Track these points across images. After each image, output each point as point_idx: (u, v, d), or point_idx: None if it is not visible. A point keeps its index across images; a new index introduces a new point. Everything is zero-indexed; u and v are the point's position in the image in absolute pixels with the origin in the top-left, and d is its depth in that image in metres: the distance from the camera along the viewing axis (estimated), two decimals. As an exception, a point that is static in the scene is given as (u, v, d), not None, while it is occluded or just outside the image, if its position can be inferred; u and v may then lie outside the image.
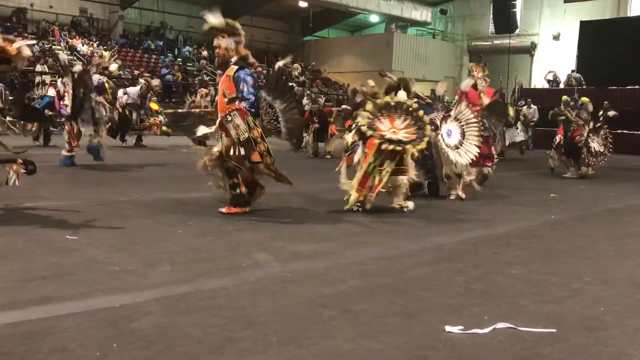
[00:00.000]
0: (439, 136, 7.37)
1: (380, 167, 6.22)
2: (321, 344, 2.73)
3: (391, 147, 6.18)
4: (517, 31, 31.23)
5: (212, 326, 2.88)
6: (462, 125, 7.48)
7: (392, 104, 6.47)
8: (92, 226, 5.00)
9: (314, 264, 4.15)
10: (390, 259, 4.39)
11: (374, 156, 6.22)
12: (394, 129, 6.32)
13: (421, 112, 6.49)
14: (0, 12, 26.00)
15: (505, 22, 30.61)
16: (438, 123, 7.39)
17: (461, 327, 2.97)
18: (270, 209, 6.20)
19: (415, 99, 7.45)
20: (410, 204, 6.50)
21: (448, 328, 2.97)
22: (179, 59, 29.79)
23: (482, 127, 7.69)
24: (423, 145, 6.39)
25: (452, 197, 7.60)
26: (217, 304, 3.22)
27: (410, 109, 6.46)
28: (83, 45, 26.32)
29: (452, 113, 7.57)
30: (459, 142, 7.41)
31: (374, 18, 36.03)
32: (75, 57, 23.32)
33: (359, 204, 6.30)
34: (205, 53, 30.10)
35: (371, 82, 7.41)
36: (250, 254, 4.30)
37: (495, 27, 32.14)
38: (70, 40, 26.62)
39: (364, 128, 6.24)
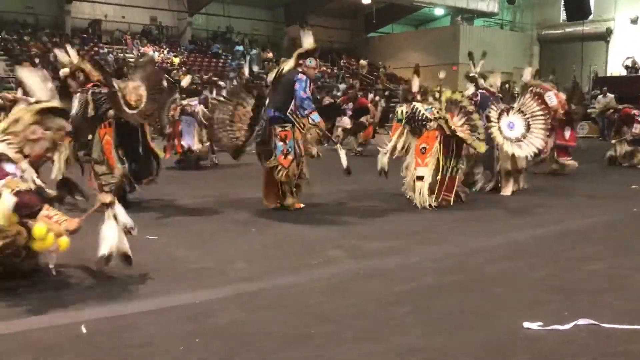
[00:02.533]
0: (496, 129, 7.13)
1: (450, 166, 6.28)
2: (395, 339, 2.74)
3: (471, 140, 6.26)
4: (590, 17, 29.88)
5: (287, 322, 2.95)
6: (527, 118, 7.21)
7: (453, 101, 6.47)
8: (168, 225, 5.21)
9: (385, 261, 4.16)
10: (463, 256, 4.33)
11: (444, 157, 6.26)
12: (454, 126, 6.33)
13: (476, 116, 6.51)
14: (77, 24, 27.33)
15: (578, 8, 29.29)
16: (493, 116, 7.21)
17: (540, 324, 2.91)
18: (337, 207, 6.26)
19: (481, 91, 7.39)
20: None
21: (526, 324, 2.90)
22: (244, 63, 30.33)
23: (548, 120, 7.43)
24: (483, 147, 6.46)
25: (504, 193, 7.33)
26: (291, 300, 3.29)
27: (466, 109, 6.45)
28: (154, 52, 27.28)
29: (515, 105, 7.34)
30: (522, 135, 7.13)
31: (438, 11, 35.42)
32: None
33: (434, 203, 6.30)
34: (270, 55, 30.53)
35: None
36: (322, 252, 4.36)
37: (567, 14, 30.82)
38: (142, 48, 27.65)
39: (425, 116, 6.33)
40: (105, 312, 3.06)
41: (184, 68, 25.28)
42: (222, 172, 9.98)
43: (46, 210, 3.26)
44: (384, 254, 4.37)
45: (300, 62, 5.90)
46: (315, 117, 5.76)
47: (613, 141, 11.32)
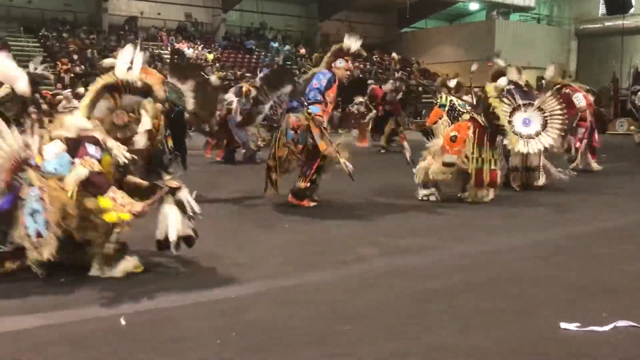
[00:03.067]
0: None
1: (487, 157, 6.28)
2: (427, 338, 2.73)
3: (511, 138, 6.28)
4: (631, 10, 29.08)
5: (319, 318, 2.97)
6: (546, 116, 7.06)
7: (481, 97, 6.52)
8: (203, 220, 5.26)
9: (417, 258, 4.14)
10: (495, 254, 4.28)
11: (477, 149, 6.24)
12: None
13: (500, 112, 6.42)
14: (115, 21, 27.85)
15: (618, 1, 28.56)
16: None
17: (578, 324, 2.85)
18: (366, 204, 6.25)
19: (513, 86, 7.32)
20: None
21: (563, 325, 2.86)
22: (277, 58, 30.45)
23: (566, 120, 7.24)
24: (514, 142, 6.44)
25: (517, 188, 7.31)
26: (323, 296, 3.31)
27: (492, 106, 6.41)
28: (189, 48, 27.61)
29: (535, 102, 7.20)
30: (535, 132, 6.99)
31: (473, 6, 34.99)
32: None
33: (435, 191, 6.42)
34: (303, 51, 30.57)
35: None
36: (353, 249, 4.36)
37: (607, 8, 30.08)
38: (177, 45, 28.00)
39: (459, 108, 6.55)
40: (142, 305, 3.13)
41: (217, 64, 25.53)
42: (258, 167, 10.06)
43: (112, 193, 3.37)
44: (415, 251, 4.35)
45: (332, 61, 5.93)
46: (314, 108, 5.69)
47: None
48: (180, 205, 3.66)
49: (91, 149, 3.48)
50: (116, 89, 3.67)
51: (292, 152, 5.80)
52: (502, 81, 6.82)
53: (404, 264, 3.98)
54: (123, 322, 2.86)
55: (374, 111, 13.62)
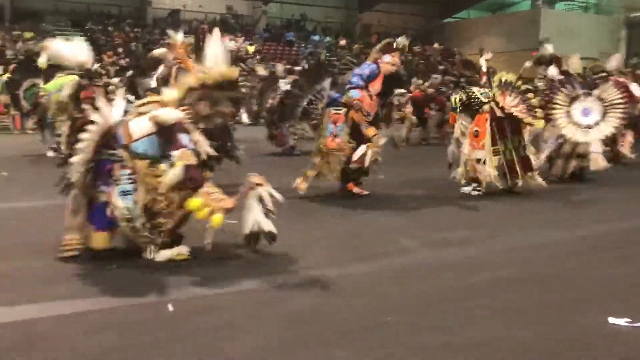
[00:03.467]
0: (561, 114, 7.03)
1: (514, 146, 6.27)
2: (472, 330, 2.71)
3: (525, 118, 6.16)
4: (685, -3, 27.93)
5: (363, 309, 2.97)
6: (606, 106, 7.00)
7: (504, 81, 6.37)
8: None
9: (462, 251, 4.10)
10: (543, 248, 4.20)
11: (501, 142, 6.22)
12: (505, 106, 6.29)
13: (531, 95, 6.34)
14: (158, 14, 28.29)
15: (671, -13, 27.45)
16: (561, 100, 7.05)
17: (628, 320, 2.79)
18: (408, 197, 6.21)
19: (562, 77, 7.20)
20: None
21: (612, 320, 2.80)
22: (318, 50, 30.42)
23: (627, 109, 7.22)
24: (540, 124, 6.41)
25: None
26: (367, 288, 3.31)
27: (519, 88, 6.33)
28: (230, 41, 27.84)
29: (595, 92, 7.09)
30: (595, 122, 6.95)
31: (518, -5, 34.21)
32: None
33: (477, 186, 6.33)
34: (343, 42, 30.45)
35: (528, 64, 7.19)
36: (396, 241, 4.35)
37: (659, -5, 28.97)
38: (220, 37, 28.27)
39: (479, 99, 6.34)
40: (187, 293, 3.19)
41: (258, 56, 25.68)
42: (302, 159, 10.08)
43: (207, 187, 3.48)
44: (458, 245, 4.31)
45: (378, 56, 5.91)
46: (354, 93, 5.67)
47: None
48: (261, 200, 3.74)
49: (185, 139, 3.56)
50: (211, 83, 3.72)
51: (339, 149, 5.78)
52: (552, 70, 6.74)
53: (448, 257, 3.95)
54: (171, 308, 2.92)
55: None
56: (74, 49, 3.83)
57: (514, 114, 6.21)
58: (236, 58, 24.07)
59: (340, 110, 5.79)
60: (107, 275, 3.47)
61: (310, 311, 2.93)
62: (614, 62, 8.22)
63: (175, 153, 3.48)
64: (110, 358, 2.40)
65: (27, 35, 22.05)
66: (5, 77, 14.87)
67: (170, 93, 3.80)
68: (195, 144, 3.60)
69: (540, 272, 3.63)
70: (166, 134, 3.55)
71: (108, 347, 2.49)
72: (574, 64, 7.79)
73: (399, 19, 33.88)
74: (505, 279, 3.48)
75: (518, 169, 6.25)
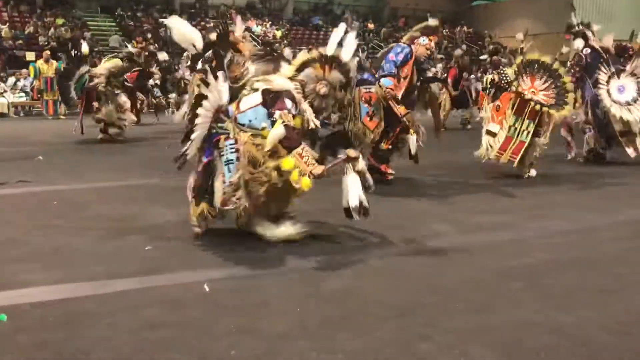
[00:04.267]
0: (604, 92, 7.00)
1: (520, 128, 6.23)
2: (510, 313, 2.70)
3: (537, 106, 6.12)
4: None
5: (399, 291, 2.98)
6: (639, 81, 7.06)
7: (536, 63, 6.31)
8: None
9: (496, 236, 4.07)
10: (580, 233, 4.15)
11: (513, 117, 6.22)
12: (533, 88, 6.25)
13: (567, 79, 6.28)
14: (185, 0, 28.42)
15: None
16: (602, 79, 7.02)
17: (667, 306, 2.76)
18: (439, 181, 6.18)
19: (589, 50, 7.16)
20: (533, 172, 6.36)
21: (651, 306, 2.77)
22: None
23: None
24: (566, 112, 6.25)
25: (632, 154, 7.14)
26: (402, 270, 3.32)
27: (555, 71, 6.25)
28: (257, 26, 27.84)
29: (627, 68, 7.09)
30: (632, 98, 6.96)
31: (550, -24, 33.42)
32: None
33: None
34: (371, 26, 30.20)
35: (564, 49, 7.03)
36: (428, 225, 4.34)
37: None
38: (247, 22, 28.30)
39: (509, 79, 6.33)
40: (226, 273, 3.24)
41: (285, 41, 25.64)
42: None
43: (301, 150, 3.55)
44: (493, 229, 4.28)
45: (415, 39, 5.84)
46: (386, 81, 5.53)
47: None
48: (361, 175, 3.79)
49: (289, 103, 3.66)
50: (327, 62, 3.83)
51: (368, 128, 5.71)
52: (578, 43, 6.73)
53: (483, 241, 3.92)
54: (207, 288, 2.97)
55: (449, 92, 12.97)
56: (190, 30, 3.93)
57: (532, 100, 6.15)
58: (264, 43, 24.12)
59: (371, 88, 5.67)
60: (144, 255, 3.55)
61: (346, 292, 2.96)
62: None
63: (277, 113, 3.60)
64: (149, 334, 2.46)
65: (59, 21, 22.36)
66: (39, 63, 15.20)
67: (286, 69, 3.96)
68: (301, 111, 3.72)
69: (578, 257, 3.59)
70: (272, 102, 3.65)
71: (146, 324, 2.55)
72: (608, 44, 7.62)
73: (428, 2, 33.37)
74: (542, 263, 3.45)
75: (507, 148, 6.24)
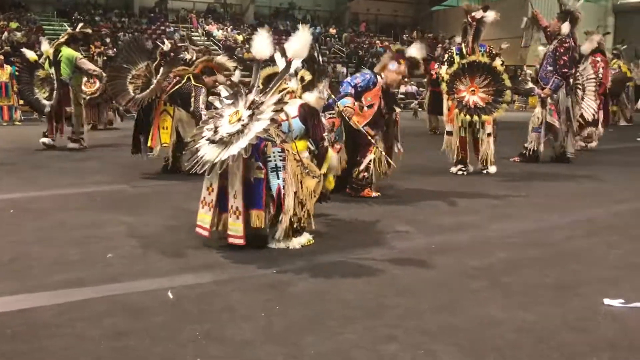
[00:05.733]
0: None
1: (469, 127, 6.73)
2: (474, 312, 2.75)
3: (466, 117, 6.63)
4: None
5: (365, 292, 3.00)
6: (583, 81, 7.71)
7: (476, 63, 6.66)
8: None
9: (458, 236, 4.14)
10: (539, 232, 4.26)
11: (458, 118, 6.70)
12: (473, 87, 6.63)
13: (505, 76, 6.65)
14: (145, 3, 28.04)
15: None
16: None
17: (622, 301, 2.85)
18: (403, 183, 6.24)
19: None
20: (492, 168, 6.81)
21: (607, 301, 2.85)
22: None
23: (598, 84, 8.11)
24: (500, 113, 6.65)
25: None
26: (367, 272, 3.33)
27: (494, 69, 6.63)
28: (218, 30, 27.67)
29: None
30: (580, 97, 7.73)
31: (506, -18, 34.21)
32: (212, 43, 24.67)
33: (463, 167, 6.82)
34: (332, 31, 30.35)
35: (504, 45, 7.60)
36: (391, 226, 4.38)
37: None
38: (207, 27, 28.08)
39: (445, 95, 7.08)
40: (189, 279, 3.20)
41: (247, 45, 25.52)
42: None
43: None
44: (456, 230, 4.35)
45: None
46: (343, 101, 5.28)
47: None
48: None
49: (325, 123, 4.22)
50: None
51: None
52: (566, 27, 7.45)
53: (445, 242, 3.98)
54: (170, 295, 2.93)
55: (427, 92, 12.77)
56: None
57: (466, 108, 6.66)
58: (225, 47, 23.97)
59: (334, 113, 5.35)
60: (105, 263, 3.48)
61: (310, 295, 2.96)
62: (594, 41, 8.37)
63: (326, 136, 4.10)
64: (113, 343, 2.41)
65: (13, 25, 21.80)
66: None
67: (295, 83, 4.20)
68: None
69: (537, 255, 3.68)
70: (308, 119, 3.95)
71: (110, 333, 2.50)
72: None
73: (389, 7, 33.80)
74: (503, 262, 3.53)
75: (467, 149, 6.78)
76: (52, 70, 8.96)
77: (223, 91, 3.98)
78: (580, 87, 7.68)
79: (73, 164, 7.84)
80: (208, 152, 3.59)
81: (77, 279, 3.19)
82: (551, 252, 3.76)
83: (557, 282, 3.17)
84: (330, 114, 5.52)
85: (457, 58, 6.80)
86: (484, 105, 6.55)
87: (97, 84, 11.23)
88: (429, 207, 5.14)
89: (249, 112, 3.63)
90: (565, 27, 7.44)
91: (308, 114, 3.94)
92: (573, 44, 7.50)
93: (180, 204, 5.15)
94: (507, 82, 6.61)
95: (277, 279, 3.21)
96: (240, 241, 3.65)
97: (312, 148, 4.01)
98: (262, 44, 3.85)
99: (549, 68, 7.48)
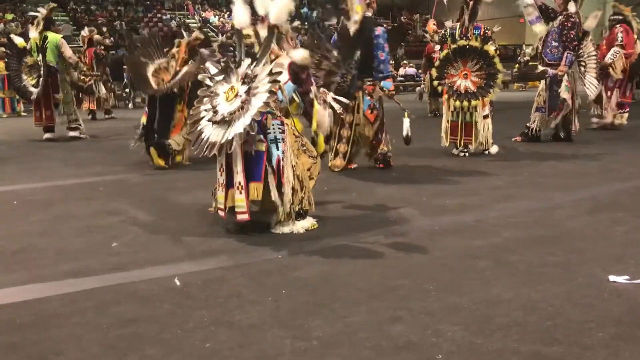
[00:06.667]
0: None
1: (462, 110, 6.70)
2: (479, 292, 2.76)
3: (456, 102, 6.66)
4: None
5: (370, 275, 3.02)
6: (585, 59, 7.71)
7: (467, 47, 6.63)
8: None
9: (462, 217, 4.14)
10: (543, 211, 4.26)
11: (449, 103, 6.73)
12: (466, 71, 6.63)
13: (497, 60, 6.60)
14: (141, -9, 27.84)
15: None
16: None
17: (627, 277, 2.86)
18: (406, 166, 6.25)
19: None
20: (494, 148, 6.87)
21: (612, 278, 2.86)
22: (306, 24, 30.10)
23: (599, 61, 8.07)
24: (491, 97, 6.67)
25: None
26: (371, 254, 3.35)
27: (486, 52, 6.59)
28: (215, 16, 27.52)
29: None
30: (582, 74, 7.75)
31: (504, -39, 33.95)
32: (208, 29, 24.52)
33: (464, 148, 6.80)
34: (330, 15, 30.07)
35: (496, 28, 7.49)
36: (395, 209, 4.38)
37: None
38: (203, 13, 27.93)
39: (434, 82, 6.96)
40: (194, 266, 3.22)
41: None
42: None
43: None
44: (459, 211, 4.35)
45: None
46: (387, 84, 5.84)
47: None
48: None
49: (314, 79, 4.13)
50: None
51: (368, 121, 5.89)
52: (572, 7, 7.44)
53: (449, 223, 3.99)
54: (177, 282, 2.95)
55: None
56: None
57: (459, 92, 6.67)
58: (221, 33, 23.85)
59: (371, 80, 5.82)
60: (111, 252, 3.49)
61: (316, 279, 2.97)
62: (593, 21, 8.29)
63: (313, 91, 3.98)
64: (120, 331, 2.43)
65: (9, 16, 21.68)
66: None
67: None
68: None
69: (541, 234, 3.69)
70: (299, 78, 3.89)
71: (119, 321, 2.52)
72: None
73: (386, -11, 33.38)
74: (507, 241, 3.53)
75: (460, 134, 6.74)
76: (39, 57, 8.89)
77: (211, 68, 3.89)
78: (583, 64, 7.66)
79: (75, 154, 7.84)
80: (212, 133, 3.57)
81: (83, 269, 3.20)
82: (555, 230, 3.76)
83: (562, 260, 3.18)
84: (370, 82, 5.81)
85: (449, 40, 6.76)
86: (475, 90, 6.56)
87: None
88: (431, 188, 5.15)
89: (245, 87, 3.60)
90: (572, 6, 7.44)
91: (298, 68, 3.87)
92: (578, 20, 7.47)
93: (183, 193, 5.16)
94: (499, 66, 6.57)
95: (282, 264, 3.22)
96: (245, 216, 3.65)
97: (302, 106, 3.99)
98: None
99: (554, 44, 7.47)
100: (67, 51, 9.07)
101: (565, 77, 7.46)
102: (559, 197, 4.70)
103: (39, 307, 2.70)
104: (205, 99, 3.75)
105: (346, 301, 2.68)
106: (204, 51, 6.09)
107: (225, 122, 3.54)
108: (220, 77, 3.77)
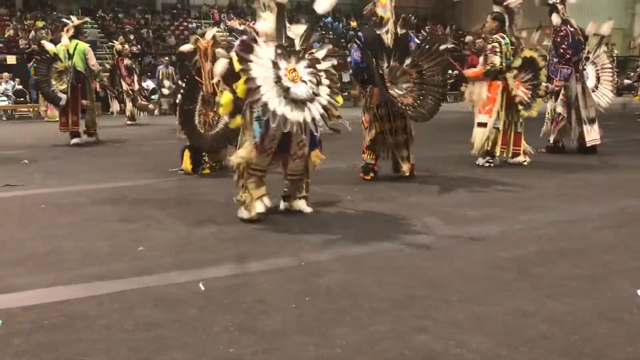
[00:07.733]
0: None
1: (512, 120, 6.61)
2: (504, 303, 2.73)
3: (523, 112, 6.60)
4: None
5: (393, 284, 3.01)
6: (598, 70, 7.59)
7: (528, 58, 6.62)
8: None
9: (486, 228, 4.11)
10: (569, 224, 4.20)
11: (505, 114, 6.53)
12: (517, 81, 6.55)
13: (543, 71, 6.69)
14: (167, 0, 28.23)
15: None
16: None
17: (655, 292, 2.81)
18: (429, 174, 6.22)
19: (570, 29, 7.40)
20: (520, 158, 6.76)
21: (640, 292, 2.82)
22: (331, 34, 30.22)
23: (615, 74, 7.99)
24: (533, 113, 6.64)
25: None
26: (395, 264, 3.34)
27: (537, 65, 6.64)
28: (240, 25, 27.73)
29: (590, 56, 7.62)
30: (594, 85, 7.56)
31: (530, -29, 33.71)
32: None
33: (490, 159, 6.66)
34: (354, 24, 30.21)
35: (535, 35, 7.30)
36: (418, 218, 4.36)
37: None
38: (229, 22, 28.17)
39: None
40: (220, 271, 3.24)
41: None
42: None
43: None
44: (483, 222, 4.31)
45: None
46: None
47: None
48: None
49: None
50: None
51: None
52: (555, 19, 7.30)
53: (473, 234, 3.95)
54: (202, 287, 2.97)
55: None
56: None
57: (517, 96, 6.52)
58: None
59: None
60: (137, 256, 3.54)
61: (340, 287, 2.97)
62: (606, 28, 8.10)
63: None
64: (145, 334, 2.45)
65: (39, 24, 22.14)
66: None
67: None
68: None
69: (567, 246, 3.64)
70: None
71: (144, 324, 2.55)
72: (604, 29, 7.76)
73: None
74: (533, 254, 3.49)
75: (510, 143, 6.63)
76: (70, 63, 9.15)
77: (259, 46, 3.87)
78: (597, 76, 7.58)
79: (101, 159, 7.96)
80: (288, 113, 3.76)
81: (109, 272, 3.25)
82: (582, 243, 3.71)
83: (589, 273, 3.14)
84: None
85: (505, 48, 6.54)
86: (529, 100, 6.58)
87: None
88: (455, 198, 5.12)
89: (310, 75, 3.92)
90: (555, 18, 7.40)
91: None
92: (571, 28, 7.35)
93: (210, 198, 5.20)
94: (543, 77, 6.57)
95: (306, 271, 3.23)
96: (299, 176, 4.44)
97: None
98: None
99: (555, 60, 7.44)
100: (92, 59, 9.41)
101: (562, 90, 7.38)
102: (585, 210, 4.63)
103: (66, 309, 2.74)
104: (271, 68, 3.81)
105: (369, 310, 2.68)
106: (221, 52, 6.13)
107: (298, 105, 3.81)
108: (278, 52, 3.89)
